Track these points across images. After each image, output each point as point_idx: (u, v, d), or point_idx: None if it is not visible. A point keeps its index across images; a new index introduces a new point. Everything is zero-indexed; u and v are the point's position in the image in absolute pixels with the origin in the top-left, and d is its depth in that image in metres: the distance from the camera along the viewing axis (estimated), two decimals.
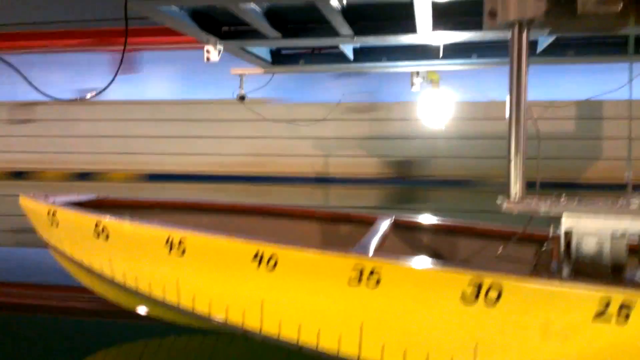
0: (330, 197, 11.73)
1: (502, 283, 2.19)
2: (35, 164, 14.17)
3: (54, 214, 3.38)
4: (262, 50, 7.62)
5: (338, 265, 2.40)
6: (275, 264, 2.52)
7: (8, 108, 14.28)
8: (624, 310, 2.06)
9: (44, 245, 3.62)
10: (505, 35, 5.63)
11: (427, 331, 2.33)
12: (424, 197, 11.80)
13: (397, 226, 3.51)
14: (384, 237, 2.91)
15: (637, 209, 2.27)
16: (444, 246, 3.53)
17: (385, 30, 6.09)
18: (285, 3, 5.52)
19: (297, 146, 13.00)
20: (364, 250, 2.53)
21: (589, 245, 2.33)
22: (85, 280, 3.50)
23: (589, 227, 2.32)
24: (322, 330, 2.48)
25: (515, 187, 2.44)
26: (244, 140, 13.34)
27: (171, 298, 2.87)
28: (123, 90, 12.59)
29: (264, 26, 5.91)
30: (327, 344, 2.48)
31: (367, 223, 3.45)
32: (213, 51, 6.68)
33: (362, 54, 7.69)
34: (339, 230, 3.86)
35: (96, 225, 3.08)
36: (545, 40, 6.77)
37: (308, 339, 2.52)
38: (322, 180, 12.84)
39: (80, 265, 3.33)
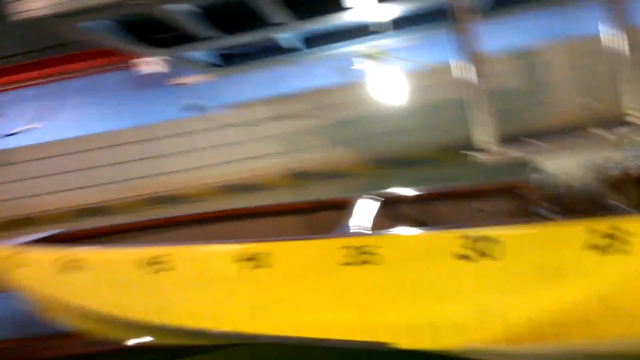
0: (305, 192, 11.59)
1: (490, 234, 2.16)
2: None
3: (16, 255, 3.16)
4: (207, 54, 7.44)
5: (325, 249, 2.31)
6: (261, 263, 2.37)
7: None
8: (609, 239, 2.06)
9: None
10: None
11: (428, 299, 2.26)
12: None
13: (376, 202, 3.44)
14: (365, 215, 2.85)
15: (616, 140, 2.31)
16: (425, 214, 3.50)
17: (326, 11, 6.04)
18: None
19: (256, 148, 12.87)
20: (348, 229, 2.46)
21: (566, 182, 2.33)
22: (60, 316, 3.29)
23: (564, 165, 2.32)
24: (323, 320, 2.37)
25: (486, 138, 2.45)
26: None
27: (155, 318, 2.70)
28: None
29: (196, 27, 5.74)
30: (332, 334, 2.35)
31: (345, 205, 3.36)
32: (152, 63, 6.48)
33: (312, 42, 7.65)
34: (319, 218, 3.76)
35: (62, 258, 2.89)
36: None
37: (310, 332, 2.39)
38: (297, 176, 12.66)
39: (55, 302, 3.12)
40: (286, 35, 6.98)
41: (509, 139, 2.56)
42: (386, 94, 10.64)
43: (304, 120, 12.60)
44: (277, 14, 5.66)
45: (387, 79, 10.28)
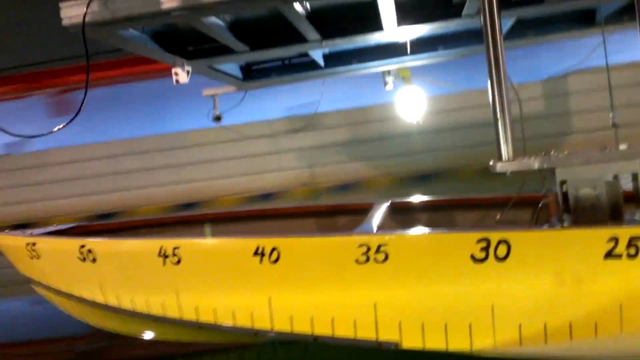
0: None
1: (509, 237, 2.17)
2: None
3: (33, 246, 3.24)
4: (232, 67, 7.58)
5: (343, 246, 2.34)
6: (278, 257, 2.42)
7: None
8: (633, 247, 2.07)
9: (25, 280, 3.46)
10: (466, 25, 5.72)
11: (442, 299, 2.29)
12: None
13: (394, 209, 3.49)
14: (384, 219, 2.89)
15: (627, 150, 2.32)
16: (443, 221, 3.51)
17: (352, 31, 6.11)
18: (248, 14, 5.50)
19: (279, 160, 12.99)
20: (368, 230, 2.49)
21: (585, 193, 2.36)
22: (76, 311, 3.35)
23: (583, 176, 2.35)
24: (335, 317, 2.40)
25: (506, 147, 2.49)
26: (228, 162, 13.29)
27: (172, 313, 2.75)
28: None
29: (230, 40, 5.87)
30: (342, 331, 2.40)
31: (364, 211, 3.41)
32: (182, 73, 6.60)
33: (332, 60, 7.73)
34: (337, 221, 3.80)
35: (81, 248, 2.94)
36: (505, 24, 6.86)
37: (322, 329, 2.44)
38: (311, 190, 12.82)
39: (68, 296, 3.19)
40: (316, 51, 7.08)
41: (532, 153, 2.59)
42: (412, 113, 10.66)
43: (330, 135, 12.71)
44: (309, 30, 5.75)
45: (414, 99, 10.31)
